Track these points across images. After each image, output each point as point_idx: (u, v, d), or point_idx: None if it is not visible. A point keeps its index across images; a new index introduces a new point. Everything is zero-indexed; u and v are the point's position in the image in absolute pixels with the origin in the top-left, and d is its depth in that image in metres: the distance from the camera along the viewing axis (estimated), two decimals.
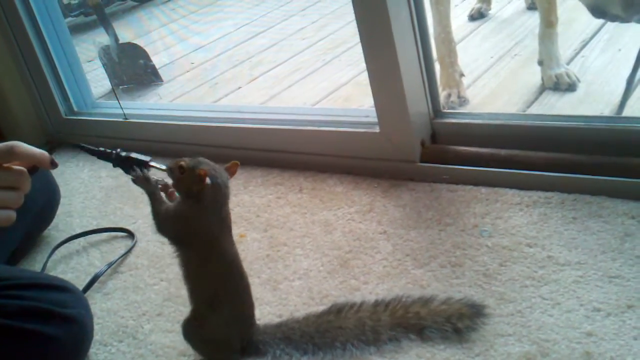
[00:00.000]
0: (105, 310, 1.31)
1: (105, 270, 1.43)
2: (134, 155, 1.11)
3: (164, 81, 2.83)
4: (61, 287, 1.17)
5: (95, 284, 1.40)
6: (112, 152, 1.10)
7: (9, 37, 2.12)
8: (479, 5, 2.49)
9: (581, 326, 0.99)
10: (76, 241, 1.60)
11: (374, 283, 1.20)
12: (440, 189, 1.43)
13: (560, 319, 1.01)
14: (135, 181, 1.07)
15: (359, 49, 1.47)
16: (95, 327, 1.22)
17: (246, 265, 1.31)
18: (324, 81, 2.36)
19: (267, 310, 1.20)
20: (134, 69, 2.82)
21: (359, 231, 1.36)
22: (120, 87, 2.83)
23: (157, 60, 2.96)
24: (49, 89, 2.17)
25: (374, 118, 1.53)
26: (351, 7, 1.41)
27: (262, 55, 2.88)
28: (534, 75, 1.85)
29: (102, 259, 1.50)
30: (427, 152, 1.50)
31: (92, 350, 1.20)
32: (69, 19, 3.53)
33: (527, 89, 1.82)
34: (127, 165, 1.10)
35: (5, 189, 0.95)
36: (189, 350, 1.13)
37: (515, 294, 1.08)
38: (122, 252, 1.50)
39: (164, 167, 1.08)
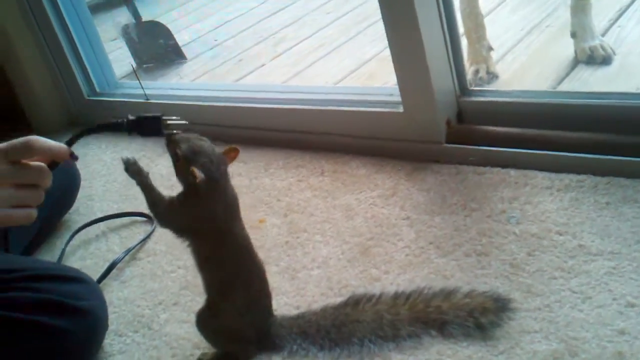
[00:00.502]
0: (122, 299, 1.29)
1: (123, 257, 1.41)
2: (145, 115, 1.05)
3: (187, 59, 2.79)
4: (75, 278, 1.15)
5: (113, 271, 1.38)
6: (122, 120, 1.04)
7: (29, 19, 2.09)
8: None
9: (613, 323, 0.93)
10: (96, 226, 1.58)
11: (395, 273, 1.15)
12: (466, 172, 1.37)
13: (591, 314, 0.95)
14: (126, 169, 1.03)
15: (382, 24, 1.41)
16: (112, 316, 1.20)
17: (264, 253, 1.29)
18: (348, 58, 2.29)
19: (283, 300, 1.17)
20: (155, 48, 2.78)
21: (381, 217, 1.31)
22: (143, 65, 2.80)
23: (179, 38, 2.91)
24: (70, 70, 2.15)
25: (397, 97, 1.47)
26: None
27: (285, 31, 2.82)
28: (566, 48, 1.76)
29: (121, 245, 1.48)
30: (453, 132, 1.44)
31: (107, 340, 1.18)
32: None
33: (559, 62, 1.74)
34: (142, 127, 1.04)
35: (26, 186, 0.91)
36: (204, 342, 1.10)
37: (544, 286, 1.02)
38: (141, 237, 1.48)
39: (182, 121, 1.03)
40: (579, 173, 1.24)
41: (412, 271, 1.14)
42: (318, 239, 1.31)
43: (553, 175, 1.26)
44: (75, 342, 1.07)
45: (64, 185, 1.60)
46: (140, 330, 1.20)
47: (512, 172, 1.31)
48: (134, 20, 2.80)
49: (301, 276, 1.22)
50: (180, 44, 2.84)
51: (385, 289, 1.10)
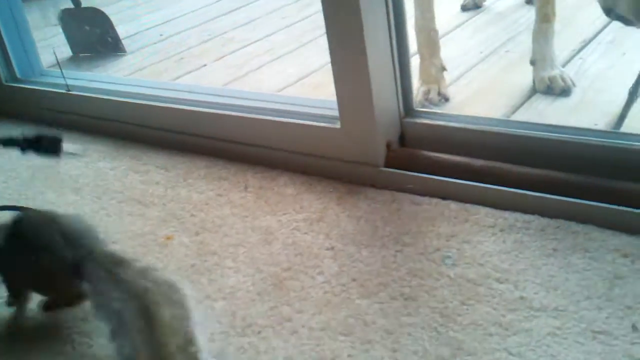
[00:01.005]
0: None
1: None
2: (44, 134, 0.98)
3: (127, 52, 2.60)
4: None
5: None
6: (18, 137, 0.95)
7: None
8: None
9: None
10: None
11: (310, 313, 0.99)
12: (403, 200, 1.22)
13: None
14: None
15: None
16: None
17: (166, 274, 1.11)
18: (296, 65, 2.14)
19: None
20: (94, 37, 2.58)
21: (302, 244, 1.15)
22: (80, 55, 2.60)
23: (124, 30, 2.73)
24: None
25: (335, 111, 1.32)
26: None
27: (235, 32, 2.65)
28: (524, 76, 1.64)
29: None
30: (393, 156, 1.29)
31: None
32: None
33: (515, 90, 1.61)
34: (39, 146, 0.98)
35: None
36: None
37: (477, 343, 0.88)
38: None
39: (77, 152, 0.92)
40: (526, 212, 1.11)
41: (329, 312, 0.98)
42: (228, 264, 1.14)
43: (497, 212, 1.13)
44: None
45: None
46: None
47: (453, 204, 1.17)
48: (75, 6, 2.61)
49: (202, 308, 1.04)
50: (124, 35, 2.66)
51: (298, 331, 0.95)
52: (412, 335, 0.91)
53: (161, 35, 2.78)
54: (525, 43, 1.82)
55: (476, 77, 1.75)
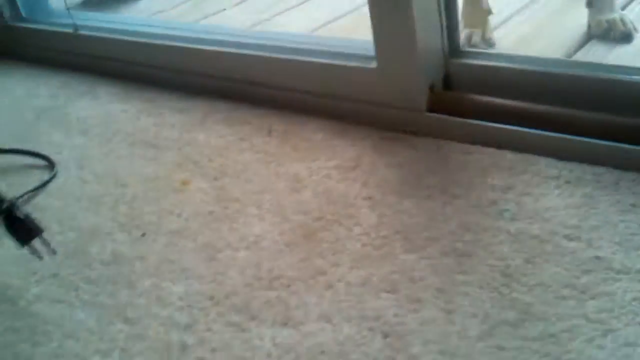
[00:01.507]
0: None
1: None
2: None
3: None
4: None
5: None
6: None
7: None
8: None
9: None
10: None
11: (347, 266, 0.86)
12: (450, 148, 1.08)
13: (616, 355, 0.67)
14: None
15: None
16: None
17: (181, 223, 0.99)
18: (323, 9, 1.98)
19: (194, 287, 0.87)
20: None
21: (336, 193, 1.02)
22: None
23: None
24: None
25: (370, 51, 1.18)
26: None
27: None
28: (578, 20, 1.48)
29: (9, 190, 1.16)
30: (437, 100, 1.15)
31: None
32: None
33: (568, 36, 1.45)
34: (16, 228, 0.88)
35: None
36: (78, 330, 0.80)
37: (548, 307, 0.74)
38: (34, 186, 1.17)
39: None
40: (595, 164, 0.96)
41: (369, 266, 0.85)
42: (252, 211, 1.01)
43: (561, 163, 0.98)
44: None
45: None
46: (1, 305, 0.89)
47: (509, 154, 1.03)
48: None
49: (222, 258, 0.92)
50: None
51: (333, 286, 0.82)
52: (469, 295, 0.78)
53: None
54: None
55: (524, 21, 1.59)
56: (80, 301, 0.88)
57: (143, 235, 1.00)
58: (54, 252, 0.90)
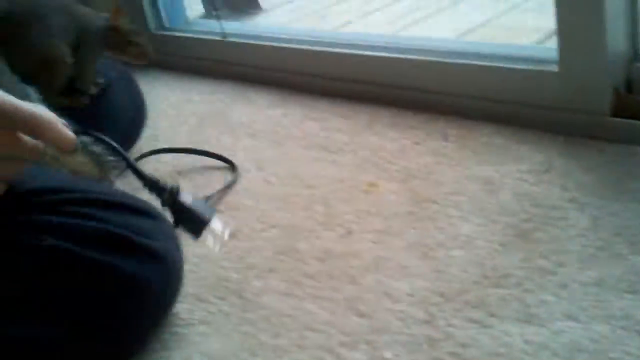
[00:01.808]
0: (199, 256, 1.02)
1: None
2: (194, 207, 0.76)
3: (262, 9, 2.52)
4: (144, 211, 0.85)
5: None
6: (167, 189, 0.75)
7: None
8: None
9: None
10: (162, 167, 1.32)
11: (575, 267, 0.87)
12: None
13: None
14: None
15: None
16: (188, 275, 0.93)
17: (381, 222, 1.02)
18: (453, 22, 2.01)
19: (420, 284, 0.89)
20: None
21: (536, 195, 1.03)
22: (213, 12, 2.53)
23: None
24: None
25: (549, 53, 1.19)
26: None
27: None
28: None
29: (196, 191, 1.21)
30: (622, 104, 1.15)
31: (185, 305, 0.92)
32: None
33: None
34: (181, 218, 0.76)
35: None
36: (313, 324, 0.83)
37: None
38: (220, 187, 1.21)
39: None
40: None
41: (599, 267, 0.86)
42: (453, 212, 1.03)
43: None
44: (141, 294, 0.79)
45: (130, 115, 1.34)
46: (227, 297, 0.93)
47: None
48: None
49: (438, 256, 0.94)
50: None
51: (567, 285, 0.83)
52: None
53: None
54: None
55: None
56: (307, 294, 0.91)
57: (349, 233, 1.03)
58: (224, 240, 0.78)
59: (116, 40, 1.20)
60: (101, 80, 1.27)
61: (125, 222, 0.80)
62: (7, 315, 0.72)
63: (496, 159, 1.15)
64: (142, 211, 0.84)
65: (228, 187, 1.22)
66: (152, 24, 1.94)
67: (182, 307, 0.91)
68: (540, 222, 0.97)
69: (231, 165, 1.28)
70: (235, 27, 1.84)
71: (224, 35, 1.77)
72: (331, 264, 0.96)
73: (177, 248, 0.86)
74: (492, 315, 0.82)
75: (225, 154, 1.33)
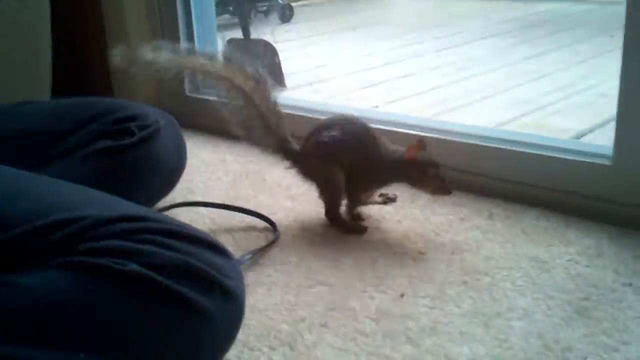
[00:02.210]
0: (247, 305, 0.99)
1: (249, 258, 1.12)
2: None
3: (287, 87, 2.58)
4: (218, 248, 0.82)
5: None
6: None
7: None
8: None
9: None
10: (200, 220, 1.31)
11: (638, 346, 0.86)
12: None
13: None
14: None
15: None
16: None
17: (435, 287, 1.01)
18: (479, 118, 2.07)
19: (481, 350, 0.87)
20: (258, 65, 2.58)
21: (590, 277, 1.03)
22: None
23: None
24: None
25: (602, 147, 1.23)
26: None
27: (394, 82, 2.62)
28: None
29: (236, 246, 1.20)
30: None
31: (234, 351, 0.89)
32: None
33: None
34: None
35: None
36: None
37: None
38: (261, 243, 1.20)
39: None
40: None
41: None
42: (507, 286, 1.02)
43: None
44: (211, 333, 0.76)
45: (175, 160, 1.33)
46: (278, 347, 0.90)
47: None
48: (243, 37, 2.63)
49: (497, 325, 0.93)
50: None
51: None
52: None
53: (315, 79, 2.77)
54: None
55: None
56: (363, 351, 0.88)
57: (402, 296, 1.01)
58: None
59: (413, 171, 1.20)
60: (154, 124, 1.27)
61: (205, 258, 0.78)
62: (80, 339, 0.68)
63: (544, 239, 1.16)
64: (217, 248, 0.82)
65: (272, 243, 1.20)
66: (187, 85, 1.97)
67: (231, 354, 0.88)
68: (597, 302, 0.96)
69: (271, 224, 1.27)
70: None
71: None
72: (386, 325, 0.94)
73: (244, 289, 0.84)
74: None
75: (265, 212, 1.31)
